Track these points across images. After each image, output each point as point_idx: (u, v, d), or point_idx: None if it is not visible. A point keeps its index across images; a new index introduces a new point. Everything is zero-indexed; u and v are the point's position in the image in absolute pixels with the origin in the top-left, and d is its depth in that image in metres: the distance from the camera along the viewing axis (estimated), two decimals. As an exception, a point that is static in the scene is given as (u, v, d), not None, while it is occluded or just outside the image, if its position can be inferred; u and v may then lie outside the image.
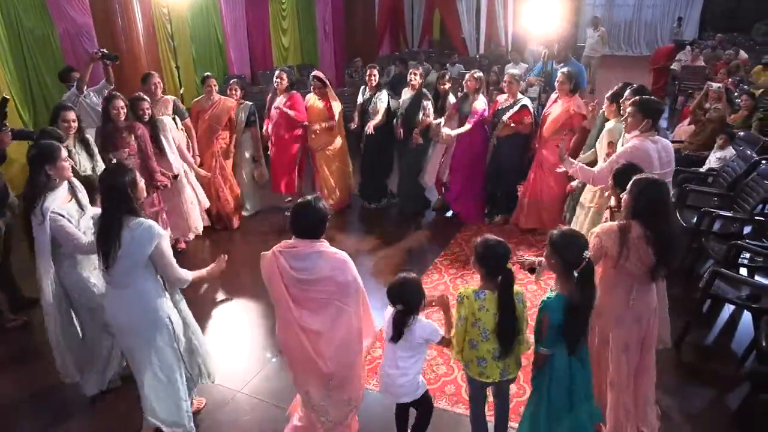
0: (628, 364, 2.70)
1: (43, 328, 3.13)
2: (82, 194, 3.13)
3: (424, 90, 5.65)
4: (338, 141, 5.92)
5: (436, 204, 6.17)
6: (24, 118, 6.74)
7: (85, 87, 5.08)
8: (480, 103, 5.29)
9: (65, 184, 3.03)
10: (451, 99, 5.64)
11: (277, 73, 5.74)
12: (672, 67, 11.24)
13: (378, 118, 5.66)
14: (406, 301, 2.45)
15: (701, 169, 5.51)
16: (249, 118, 5.70)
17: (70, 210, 2.98)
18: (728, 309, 4.16)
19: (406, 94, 5.70)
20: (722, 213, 4.35)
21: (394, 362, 2.57)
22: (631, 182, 2.61)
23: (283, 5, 11.04)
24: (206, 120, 5.42)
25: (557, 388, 2.44)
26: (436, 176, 5.78)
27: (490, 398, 2.81)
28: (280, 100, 5.67)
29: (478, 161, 5.52)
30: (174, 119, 5.09)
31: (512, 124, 5.18)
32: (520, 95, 5.27)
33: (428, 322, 2.55)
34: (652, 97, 3.53)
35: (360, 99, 6.01)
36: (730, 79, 8.00)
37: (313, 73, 5.83)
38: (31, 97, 6.95)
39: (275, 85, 5.69)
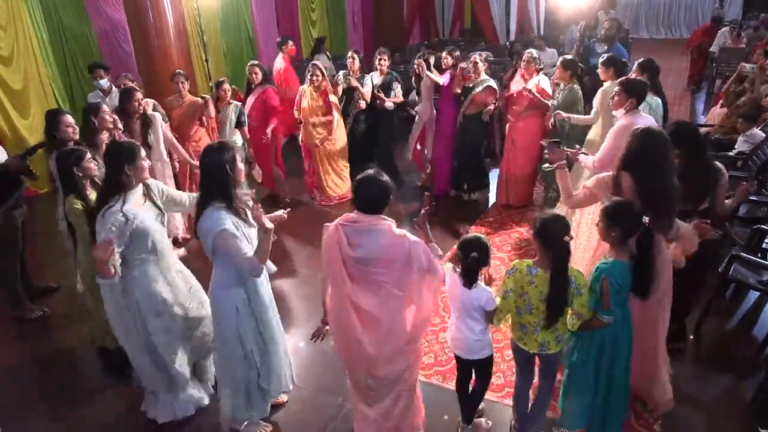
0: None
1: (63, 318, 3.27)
2: (156, 195, 2.95)
3: (393, 72, 6.07)
4: (340, 135, 5.92)
5: (422, 181, 6.43)
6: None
7: (112, 88, 5.25)
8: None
9: (140, 186, 2.87)
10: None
11: (248, 67, 5.69)
12: (711, 49, 10.84)
13: (368, 95, 5.91)
14: (480, 250, 2.53)
15: (730, 153, 5.36)
16: (239, 118, 5.39)
17: (143, 213, 2.78)
18: (753, 294, 4.06)
19: (376, 77, 6.03)
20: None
21: (458, 321, 2.67)
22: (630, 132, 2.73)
23: (312, -4, 11.18)
24: (175, 120, 5.09)
25: (601, 351, 2.59)
26: (414, 150, 6.30)
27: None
28: (254, 94, 5.67)
29: (452, 136, 5.87)
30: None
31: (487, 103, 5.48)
32: (485, 76, 5.55)
33: (487, 288, 2.60)
34: (638, 78, 3.69)
35: (342, 84, 6.05)
36: (768, 60, 7.68)
37: (313, 63, 5.83)
38: (71, 93, 7.29)
39: (249, 80, 5.69)
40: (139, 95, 4.45)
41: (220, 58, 9.26)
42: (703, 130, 6.41)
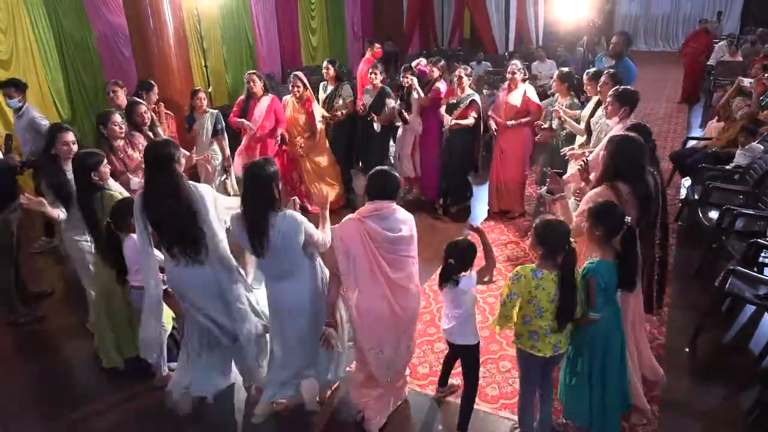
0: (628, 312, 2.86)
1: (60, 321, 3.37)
2: None
3: (386, 87, 5.97)
4: (325, 145, 5.89)
5: (410, 194, 6.36)
6: (63, 116, 7.07)
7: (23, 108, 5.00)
8: (441, 86, 5.72)
9: None
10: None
11: (247, 76, 5.46)
12: (709, 62, 10.91)
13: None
14: (456, 256, 2.67)
15: (728, 167, 5.38)
16: (216, 126, 5.29)
17: None
18: (750, 308, 4.05)
19: (368, 92, 6.01)
20: (743, 210, 4.25)
21: (445, 308, 2.86)
22: (606, 141, 2.80)
23: (312, 5, 11.21)
24: None
25: (593, 348, 2.63)
26: (411, 165, 6.14)
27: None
28: (264, 104, 5.43)
29: (438, 148, 5.85)
30: None
31: (461, 120, 5.43)
32: (469, 90, 5.50)
33: (472, 279, 2.72)
34: (629, 87, 3.78)
35: (322, 94, 6.02)
36: (766, 75, 7.72)
37: (294, 73, 5.69)
38: (70, 98, 7.28)
39: (248, 89, 5.44)
40: (142, 107, 4.38)
41: (220, 65, 9.28)
42: (701, 143, 6.46)
